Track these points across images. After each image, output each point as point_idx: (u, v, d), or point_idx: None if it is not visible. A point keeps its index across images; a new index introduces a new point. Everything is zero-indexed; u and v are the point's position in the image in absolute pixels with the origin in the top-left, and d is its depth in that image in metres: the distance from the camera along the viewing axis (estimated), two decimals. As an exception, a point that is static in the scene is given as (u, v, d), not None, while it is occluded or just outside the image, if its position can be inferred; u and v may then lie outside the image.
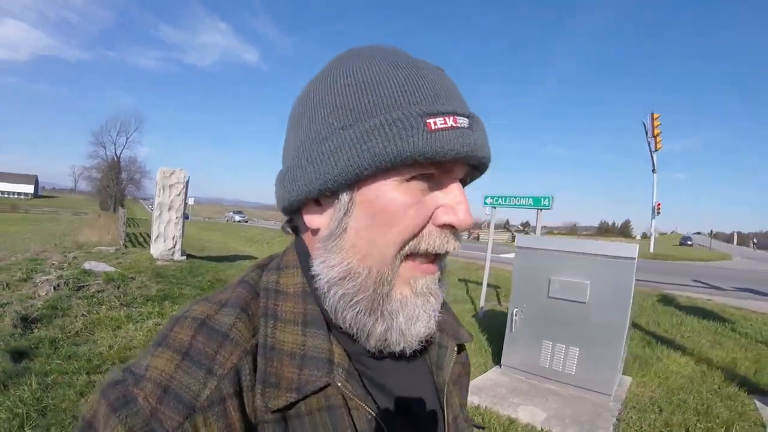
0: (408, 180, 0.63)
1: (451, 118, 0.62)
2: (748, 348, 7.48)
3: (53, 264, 9.74)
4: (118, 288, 7.93)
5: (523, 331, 5.48)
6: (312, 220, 0.70)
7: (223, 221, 70.87)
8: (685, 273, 20.81)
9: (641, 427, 4.48)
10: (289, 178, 0.69)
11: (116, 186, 72.70)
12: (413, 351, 0.71)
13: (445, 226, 0.65)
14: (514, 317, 5.51)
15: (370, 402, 0.65)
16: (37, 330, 5.60)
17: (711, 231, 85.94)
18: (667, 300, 11.61)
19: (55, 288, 7.33)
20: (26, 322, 5.73)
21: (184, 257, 12.45)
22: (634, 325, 8.55)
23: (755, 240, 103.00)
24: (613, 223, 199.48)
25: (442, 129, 0.60)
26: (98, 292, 7.52)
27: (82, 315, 6.31)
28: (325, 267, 0.67)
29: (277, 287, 0.70)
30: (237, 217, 75.65)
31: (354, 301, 0.65)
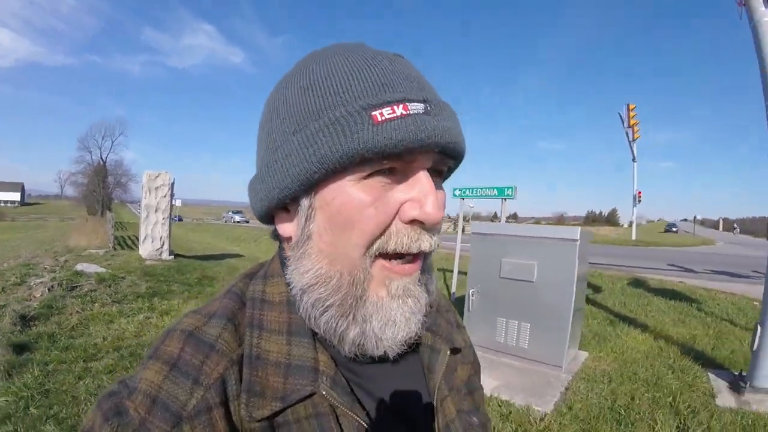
0: (365, 177, 0.61)
1: (401, 105, 0.59)
2: (710, 325, 7.70)
3: (45, 268, 9.94)
4: (110, 287, 8.29)
5: (479, 309, 5.83)
6: (284, 228, 0.70)
7: (219, 222, 67.44)
8: (663, 258, 20.98)
9: (587, 396, 4.71)
10: (254, 189, 0.70)
11: (103, 190, 72.17)
12: (405, 354, 0.72)
13: (414, 222, 0.63)
14: (471, 297, 5.86)
15: (357, 409, 0.65)
16: (35, 327, 5.95)
17: (695, 217, 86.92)
18: (638, 283, 11.84)
19: (49, 289, 7.62)
20: (24, 320, 6.07)
21: (172, 256, 12.74)
22: (600, 306, 8.95)
23: (736, 225, 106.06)
24: (600, 212, 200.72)
25: (390, 119, 0.58)
26: (91, 291, 7.87)
27: (77, 312, 6.68)
28: (297, 274, 0.67)
29: (263, 297, 0.71)
30: (237, 217, 69.28)
31: (326, 305, 0.64)
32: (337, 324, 0.64)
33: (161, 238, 12.53)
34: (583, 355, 6.06)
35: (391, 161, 0.60)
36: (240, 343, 0.66)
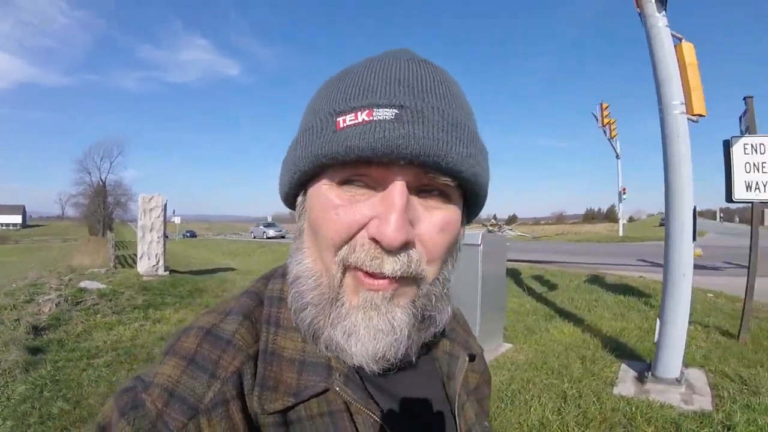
0: (339, 183, 0.61)
1: (365, 112, 0.57)
2: (650, 318, 7.59)
3: (52, 287, 10.83)
4: (110, 301, 9.35)
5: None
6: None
7: (218, 237, 63.33)
8: (644, 253, 20.59)
9: (485, 381, 5.30)
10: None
11: (103, 210, 73.17)
12: (421, 360, 0.73)
13: (375, 241, 0.59)
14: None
15: (372, 406, 0.64)
16: (46, 335, 6.96)
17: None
18: (596, 279, 12.24)
19: (56, 305, 8.60)
20: (36, 329, 7.06)
21: (167, 272, 13.65)
22: (547, 303, 9.60)
23: (722, 214, 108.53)
24: (599, 209, 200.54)
25: (351, 125, 0.57)
26: (93, 305, 8.90)
27: (81, 322, 7.71)
28: (293, 264, 0.69)
29: (280, 295, 0.71)
30: (271, 232, 52.64)
31: (304, 301, 0.65)
32: (310, 322, 0.64)
33: (156, 255, 13.44)
34: (507, 347, 6.57)
35: (353, 170, 0.59)
36: (256, 339, 0.66)
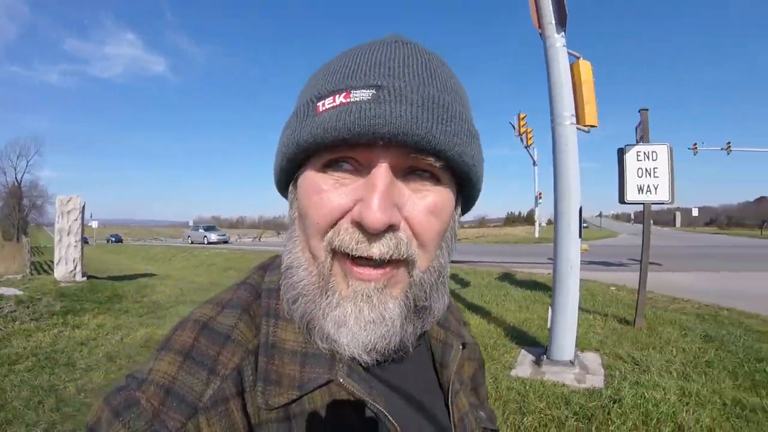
0: (323, 168, 0.61)
1: (343, 94, 0.58)
2: None
3: None
4: (28, 308, 9.26)
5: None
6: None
7: (137, 243, 58.92)
8: (550, 253, 19.87)
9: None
10: None
11: (18, 213, 69.93)
12: (416, 349, 0.71)
13: (359, 224, 0.58)
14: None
15: (376, 396, 0.63)
16: None
17: (601, 213, 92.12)
18: (506, 276, 12.93)
19: None
20: None
21: (85, 278, 13.39)
22: (459, 298, 10.05)
23: (633, 216, 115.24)
24: (520, 213, 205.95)
25: (329, 108, 0.57)
26: (11, 312, 8.81)
27: (0, 329, 7.71)
28: (285, 254, 0.68)
29: (278, 286, 0.70)
30: (213, 236, 46.34)
31: (294, 293, 0.64)
32: (302, 314, 0.64)
33: (74, 260, 13.13)
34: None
35: (336, 153, 0.59)
36: (255, 334, 0.65)
